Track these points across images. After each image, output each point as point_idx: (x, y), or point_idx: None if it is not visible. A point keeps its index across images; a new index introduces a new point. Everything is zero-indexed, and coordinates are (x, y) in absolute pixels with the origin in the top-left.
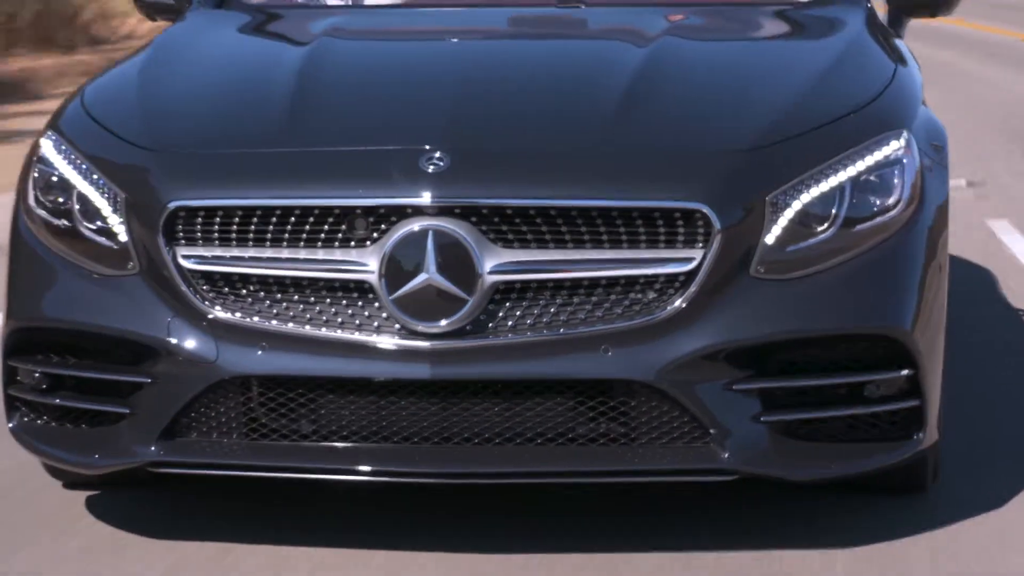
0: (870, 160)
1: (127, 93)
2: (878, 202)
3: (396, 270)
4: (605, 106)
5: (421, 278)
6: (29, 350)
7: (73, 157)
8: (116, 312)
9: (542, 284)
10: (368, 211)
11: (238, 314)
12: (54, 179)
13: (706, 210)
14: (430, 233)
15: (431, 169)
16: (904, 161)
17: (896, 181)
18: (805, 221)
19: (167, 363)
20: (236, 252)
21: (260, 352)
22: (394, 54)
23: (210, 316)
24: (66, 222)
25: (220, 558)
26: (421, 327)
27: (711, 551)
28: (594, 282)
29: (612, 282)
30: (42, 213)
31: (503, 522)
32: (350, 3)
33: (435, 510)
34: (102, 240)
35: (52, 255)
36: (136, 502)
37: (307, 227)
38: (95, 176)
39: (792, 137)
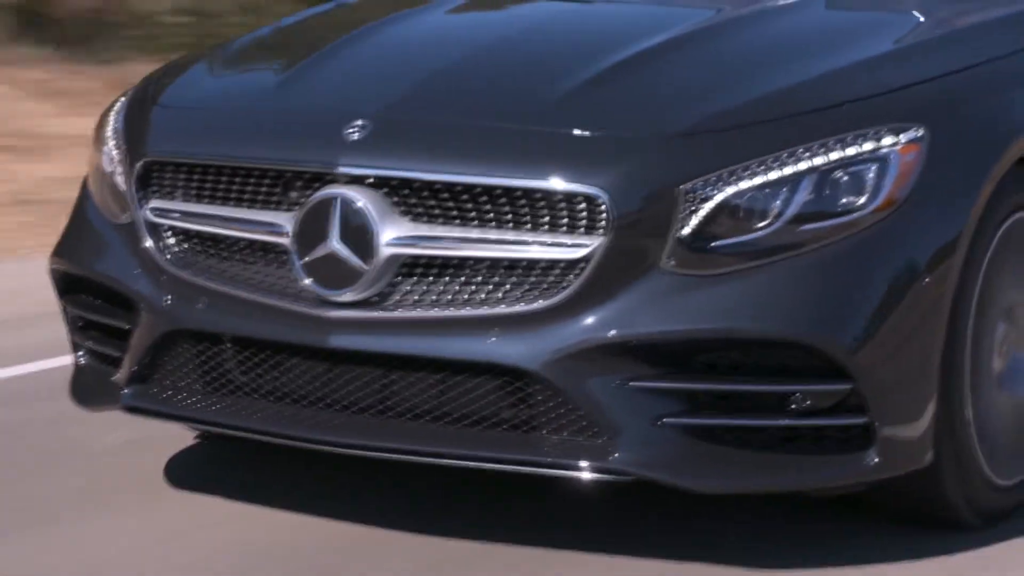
0: (841, 154)
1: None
2: (843, 200)
3: (306, 236)
4: (560, 86)
5: (324, 246)
6: (67, 290)
7: (124, 112)
8: (109, 259)
9: (445, 261)
10: (296, 175)
11: (184, 270)
12: (108, 129)
13: (602, 196)
14: (337, 201)
15: (351, 138)
16: (890, 158)
17: (870, 179)
18: (736, 215)
19: (140, 312)
20: (184, 207)
21: (200, 307)
22: (438, 28)
23: (165, 269)
24: (106, 167)
25: None
26: (324, 294)
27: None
28: (494, 263)
29: (512, 264)
30: (95, 154)
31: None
32: None
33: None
34: (115, 185)
35: (87, 195)
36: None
37: (246, 187)
38: (120, 128)
39: (732, 127)
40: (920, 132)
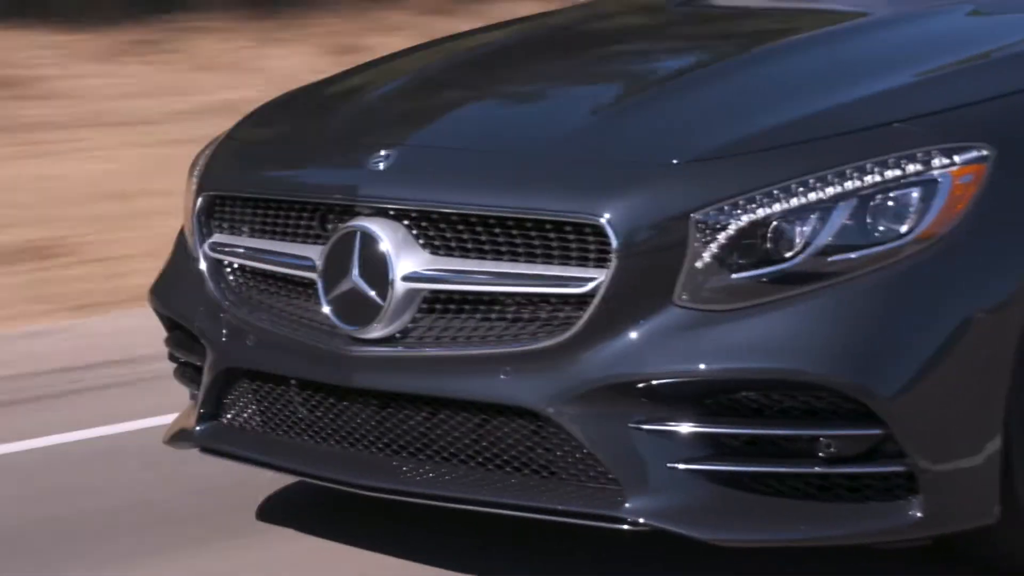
0: (879, 177)
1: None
2: (881, 228)
3: (332, 270)
4: (578, 117)
5: (347, 280)
6: (167, 329)
7: (207, 152)
8: (184, 297)
9: (463, 296)
10: (329, 208)
11: (239, 306)
12: (195, 168)
13: (605, 226)
14: (358, 234)
15: (375, 168)
16: (939, 181)
17: (913, 204)
18: (756, 245)
19: (205, 350)
20: (238, 242)
21: (250, 345)
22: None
23: (224, 305)
24: (188, 204)
25: None
26: (348, 331)
27: None
28: (508, 297)
29: (526, 299)
30: (186, 192)
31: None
32: None
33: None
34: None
35: (183, 234)
36: None
37: (289, 221)
38: (200, 166)
39: (752, 151)
40: (984, 152)
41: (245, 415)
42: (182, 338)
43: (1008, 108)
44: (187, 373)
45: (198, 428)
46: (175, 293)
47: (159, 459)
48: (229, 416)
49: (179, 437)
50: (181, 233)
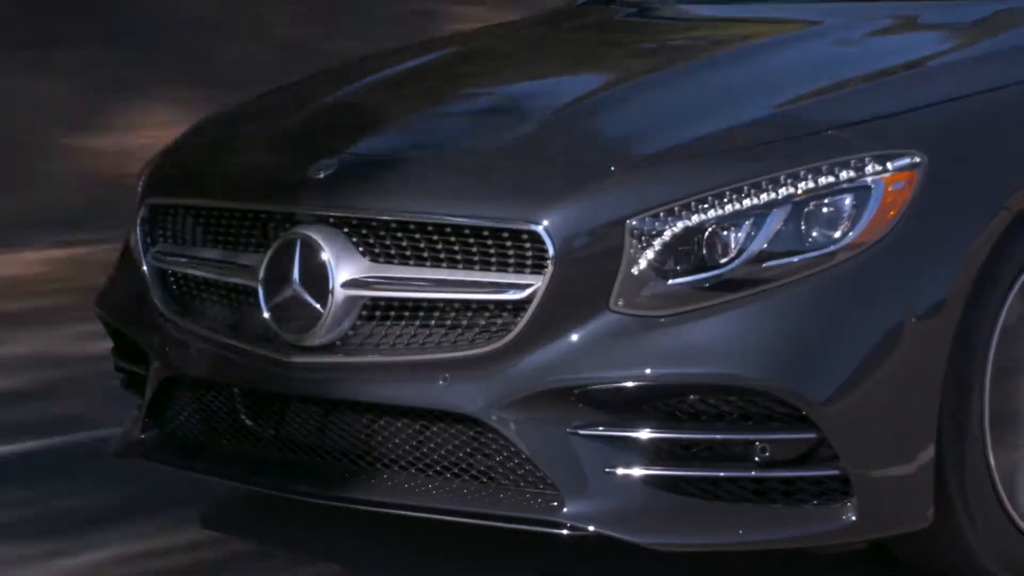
0: (812, 184)
1: None
2: (814, 234)
3: (273, 278)
4: (519, 125)
5: (287, 288)
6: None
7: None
8: (128, 307)
9: (403, 303)
10: (270, 216)
11: (181, 315)
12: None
13: (540, 232)
14: (297, 242)
15: (315, 177)
16: (872, 188)
17: (846, 210)
18: (691, 252)
19: (148, 359)
20: (180, 251)
21: (192, 353)
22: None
23: (167, 314)
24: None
25: None
26: (287, 338)
27: None
28: (448, 304)
29: (466, 305)
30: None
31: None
32: None
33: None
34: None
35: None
36: None
37: (231, 231)
38: (144, 175)
39: (686, 157)
40: (916, 159)
41: (189, 424)
42: (127, 348)
43: (941, 115)
44: (133, 383)
45: (143, 437)
46: (120, 302)
47: None
48: (173, 425)
49: (125, 448)
50: (126, 242)
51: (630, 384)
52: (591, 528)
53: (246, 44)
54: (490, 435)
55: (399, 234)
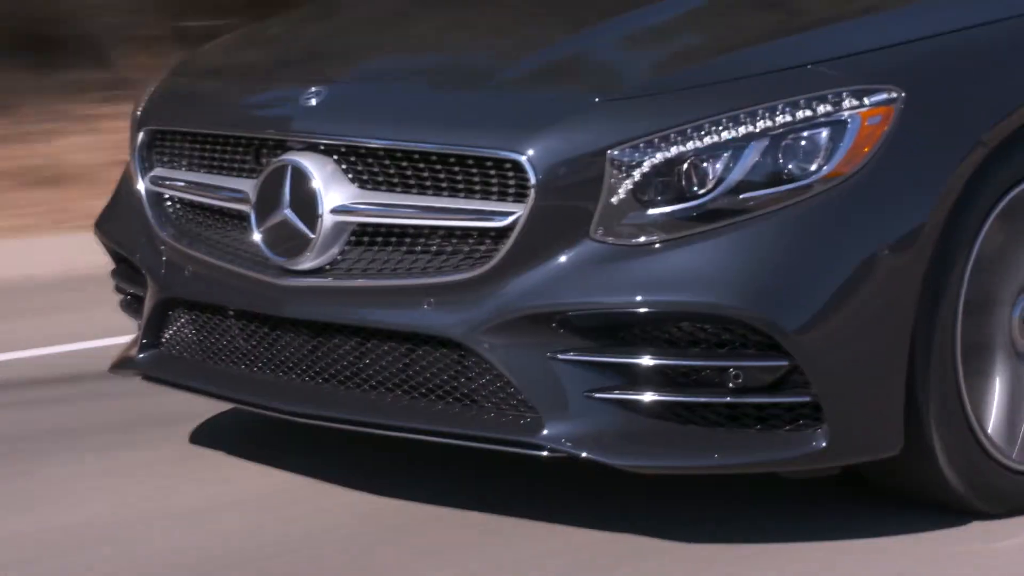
0: (790, 118)
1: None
2: (791, 167)
3: (264, 203)
4: (508, 59)
5: (277, 213)
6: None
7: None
8: (126, 229)
9: (390, 229)
10: (263, 143)
11: (177, 238)
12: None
13: (523, 162)
14: (288, 168)
15: (305, 105)
16: (848, 122)
17: (822, 143)
18: (670, 182)
19: (145, 280)
20: (177, 175)
21: (187, 275)
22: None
23: (164, 237)
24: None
25: None
26: (279, 263)
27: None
28: (433, 231)
29: (450, 232)
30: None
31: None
32: None
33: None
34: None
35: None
36: None
37: (225, 156)
38: (143, 102)
39: (667, 90)
40: (893, 94)
41: (184, 344)
42: (127, 270)
43: (919, 52)
44: (132, 304)
45: (140, 357)
46: (119, 226)
47: None
48: (169, 345)
49: (122, 365)
50: (127, 168)
51: (608, 310)
52: (571, 451)
53: None
54: (473, 359)
55: (387, 161)
